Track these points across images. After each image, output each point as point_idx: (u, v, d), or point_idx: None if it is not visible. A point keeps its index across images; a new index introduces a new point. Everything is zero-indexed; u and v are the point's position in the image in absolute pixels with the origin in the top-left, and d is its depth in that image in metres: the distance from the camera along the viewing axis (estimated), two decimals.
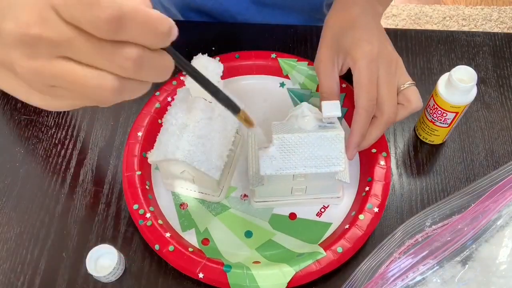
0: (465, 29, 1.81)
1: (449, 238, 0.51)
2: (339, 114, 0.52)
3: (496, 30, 1.80)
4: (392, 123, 0.56)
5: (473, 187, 0.55)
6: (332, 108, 0.53)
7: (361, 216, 0.56)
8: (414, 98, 0.56)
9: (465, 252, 0.51)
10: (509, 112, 0.68)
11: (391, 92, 0.55)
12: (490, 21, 1.83)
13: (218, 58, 0.67)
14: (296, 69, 0.68)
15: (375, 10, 0.59)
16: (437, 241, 0.51)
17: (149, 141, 0.62)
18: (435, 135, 0.63)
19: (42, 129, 0.67)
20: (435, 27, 1.81)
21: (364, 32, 0.55)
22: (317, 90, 0.67)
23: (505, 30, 1.81)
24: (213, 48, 0.73)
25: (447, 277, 0.50)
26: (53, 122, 0.68)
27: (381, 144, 0.61)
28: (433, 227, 0.53)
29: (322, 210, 0.60)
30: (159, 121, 0.63)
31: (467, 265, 0.50)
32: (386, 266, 0.51)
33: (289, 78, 0.68)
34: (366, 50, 0.54)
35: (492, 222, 0.52)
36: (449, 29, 1.80)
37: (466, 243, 0.51)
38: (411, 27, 1.82)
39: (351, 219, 0.57)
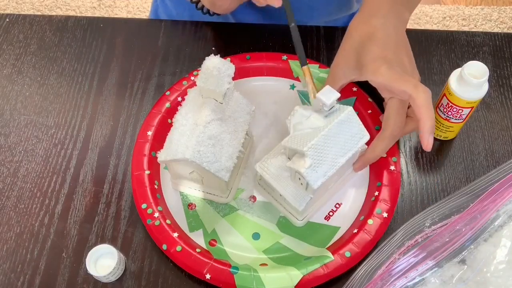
0: (465, 29, 1.81)
1: (448, 239, 0.51)
2: (338, 94, 0.52)
3: (496, 30, 1.80)
4: (398, 137, 0.57)
5: (471, 187, 0.55)
6: (330, 94, 0.52)
7: (370, 221, 0.56)
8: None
9: (463, 253, 0.51)
10: (509, 112, 0.68)
11: (399, 108, 0.56)
12: (490, 21, 1.83)
13: (228, 58, 0.66)
14: None
15: (400, 18, 0.58)
16: (436, 242, 0.51)
17: (159, 141, 0.62)
18: (450, 131, 0.64)
19: (42, 129, 0.67)
20: (435, 27, 1.81)
21: (381, 46, 0.55)
22: None
23: (505, 30, 1.81)
24: (213, 48, 0.73)
25: (446, 277, 0.50)
26: (53, 122, 0.68)
27: (391, 149, 0.61)
28: (433, 227, 0.54)
29: (331, 213, 0.60)
30: (169, 120, 0.63)
31: (465, 265, 0.50)
32: (386, 267, 0.51)
33: (299, 81, 0.68)
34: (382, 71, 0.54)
35: (490, 221, 0.52)
36: (449, 29, 1.80)
37: (465, 243, 0.51)
38: (411, 27, 1.81)
39: (360, 224, 0.57)
